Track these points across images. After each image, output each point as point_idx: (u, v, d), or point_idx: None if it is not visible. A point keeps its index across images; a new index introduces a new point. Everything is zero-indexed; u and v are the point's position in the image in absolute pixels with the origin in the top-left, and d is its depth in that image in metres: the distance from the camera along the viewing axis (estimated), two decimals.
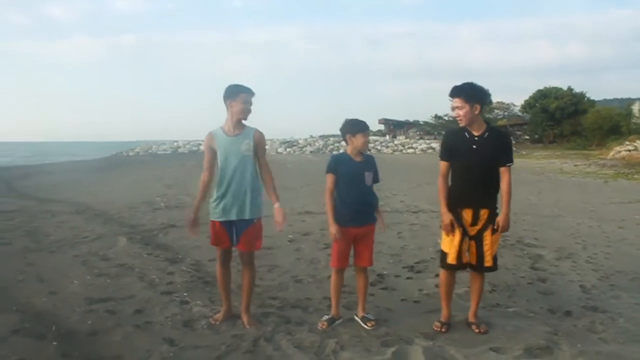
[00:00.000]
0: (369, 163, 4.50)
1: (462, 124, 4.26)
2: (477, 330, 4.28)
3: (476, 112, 4.20)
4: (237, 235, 4.43)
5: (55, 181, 18.96)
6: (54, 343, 4.05)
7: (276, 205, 4.44)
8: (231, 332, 4.28)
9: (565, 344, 4.00)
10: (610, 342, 4.08)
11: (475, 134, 4.25)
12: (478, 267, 4.35)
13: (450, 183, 4.40)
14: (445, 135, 4.67)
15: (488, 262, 4.30)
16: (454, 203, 4.33)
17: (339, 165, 4.46)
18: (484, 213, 4.26)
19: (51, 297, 5.12)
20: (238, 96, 4.34)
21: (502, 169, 4.25)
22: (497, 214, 4.30)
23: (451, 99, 4.28)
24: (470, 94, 4.21)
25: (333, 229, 4.36)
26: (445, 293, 4.49)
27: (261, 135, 4.48)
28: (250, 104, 4.39)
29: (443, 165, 4.42)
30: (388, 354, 3.85)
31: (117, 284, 5.59)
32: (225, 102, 4.38)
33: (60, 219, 9.88)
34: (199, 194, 4.50)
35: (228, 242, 4.48)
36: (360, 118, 4.49)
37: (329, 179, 4.45)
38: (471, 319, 4.41)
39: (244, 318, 4.47)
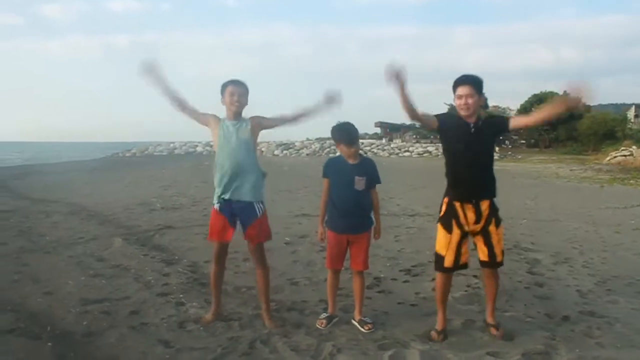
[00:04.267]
0: (364, 167, 4.43)
1: (466, 113, 4.11)
2: (494, 332, 4.22)
3: (480, 104, 4.16)
4: (244, 229, 4.43)
5: (50, 181, 18.90)
6: (49, 344, 4.02)
7: None
8: (227, 334, 4.26)
9: (563, 349, 3.99)
10: (607, 347, 4.07)
11: (471, 121, 4.15)
12: (491, 264, 4.23)
13: (446, 178, 4.30)
14: (441, 114, 4.38)
15: (499, 256, 4.20)
16: (453, 196, 4.21)
17: (330, 169, 4.49)
18: (484, 205, 4.15)
19: (46, 298, 5.08)
20: (225, 90, 4.39)
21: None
22: (496, 207, 4.21)
23: (458, 87, 4.15)
24: (479, 83, 4.16)
25: (319, 230, 4.52)
26: (441, 297, 4.37)
27: (256, 116, 4.51)
28: (239, 95, 4.37)
29: (432, 118, 4.26)
30: (385, 358, 3.83)
31: (112, 285, 5.56)
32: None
33: (55, 220, 9.84)
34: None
35: (225, 233, 4.43)
36: (357, 121, 4.43)
37: (324, 183, 4.51)
38: (489, 319, 4.34)
39: (265, 319, 4.46)
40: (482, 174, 4.19)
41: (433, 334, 4.26)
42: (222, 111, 4.46)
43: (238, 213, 4.40)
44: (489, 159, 4.24)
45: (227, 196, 4.38)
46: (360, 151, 4.54)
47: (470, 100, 4.09)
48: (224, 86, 4.41)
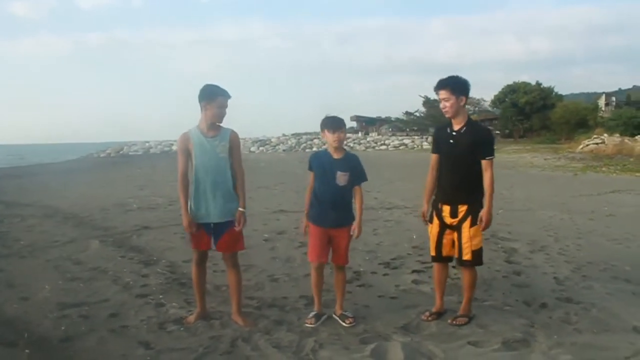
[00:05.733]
0: (347, 162, 4.43)
1: (447, 115, 4.37)
2: (449, 320, 4.35)
3: (461, 104, 4.33)
4: (217, 237, 4.40)
5: (23, 184, 18.56)
6: (26, 351, 3.94)
7: (240, 208, 4.39)
8: (208, 333, 4.23)
9: (542, 336, 4.05)
10: (584, 333, 4.14)
11: (455, 128, 4.36)
12: (458, 260, 4.41)
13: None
14: (434, 130, 4.82)
15: (466, 255, 4.32)
16: (435, 198, 4.48)
17: (314, 162, 4.50)
18: (462, 208, 4.31)
19: (22, 304, 4.99)
20: (214, 100, 4.27)
21: (483, 162, 4.28)
22: (476, 209, 4.31)
23: (437, 92, 4.37)
24: (456, 86, 4.32)
25: (304, 222, 4.55)
26: (435, 284, 4.66)
27: (236, 136, 4.45)
28: (226, 107, 4.33)
29: (432, 158, 4.56)
30: (367, 351, 3.84)
31: (90, 288, 5.48)
32: (200, 103, 4.31)
33: (30, 223, 9.67)
34: (182, 201, 4.35)
35: (206, 244, 4.44)
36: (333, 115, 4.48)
37: (310, 176, 4.54)
38: (460, 311, 4.46)
39: (239, 320, 4.41)
40: (461, 180, 4.33)
41: (426, 313, 4.49)
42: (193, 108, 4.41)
43: (215, 226, 4.39)
44: (469, 166, 4.30)
45: (206, 220, 4.34)
46: (345, 147, 4.55)
47: (447, 104, 4.31)
48: (212, 95, 4.28)
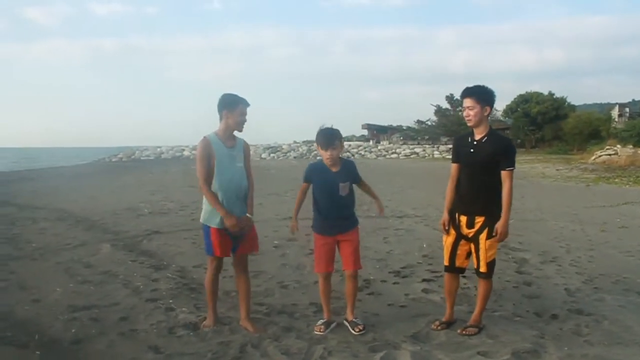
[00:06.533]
0: (345, 172, 4.44)
1: (470, 124, 4.32)
2: (458, 330, 4.32)
3: (485, 114, 4.28)
4: (236, 240, 4.43)
5: (36, 187, 18.71)
6: (37, 352, 3.98)
7: (247, 214, 4.44)
8: (217, 339, 4.24)
9: (552, 347, 4.02)
10: (595, 345, 4.10)
11: (476, 137, 4.32)
12: (476, 272, 4.40)
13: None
14: (454, 139, 4.80)
15: (482, 267, 4.31)
16: (453, 207, 4.43)
17: (313, 175, 4.49)
18: (479, 219, 4.27)
19: (34, 305, 5.03)
20: (236, 108, 4.33)
21: (503, 173, 4.23)
22: (495, 221, 4.25)
23: (462, 99, 4.35)
24: (482, 95, 4.28)
25: (292, 223, 4.56)
26: (446, 293, 4.62)
27: (248, 145, 4.57)
28: (246, 115, 4.40)
29: (452, 167, 4.51)
30: (376, 359, 3.83)
31: (101, 291, 5.52)
32: (220, 112, 4.35)
33: (41, 226, 9.75)
34: (216, 204, 4.27)
35: (230, 250, 4.47)
36: (343, 123, 4.50)
37: (303, 185, 4.54)
38: (470, 321, 4.43)
39: (248, 326, 4.42)
40: (479, 190, 4.29)
41: (435, 322, 4.47)
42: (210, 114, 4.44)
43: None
44: (488, 177, 4.26)
45: None
46: (347, 153, 4.55)
47: (471, 112, 4.27)
48: (234, 103, 4.33)
